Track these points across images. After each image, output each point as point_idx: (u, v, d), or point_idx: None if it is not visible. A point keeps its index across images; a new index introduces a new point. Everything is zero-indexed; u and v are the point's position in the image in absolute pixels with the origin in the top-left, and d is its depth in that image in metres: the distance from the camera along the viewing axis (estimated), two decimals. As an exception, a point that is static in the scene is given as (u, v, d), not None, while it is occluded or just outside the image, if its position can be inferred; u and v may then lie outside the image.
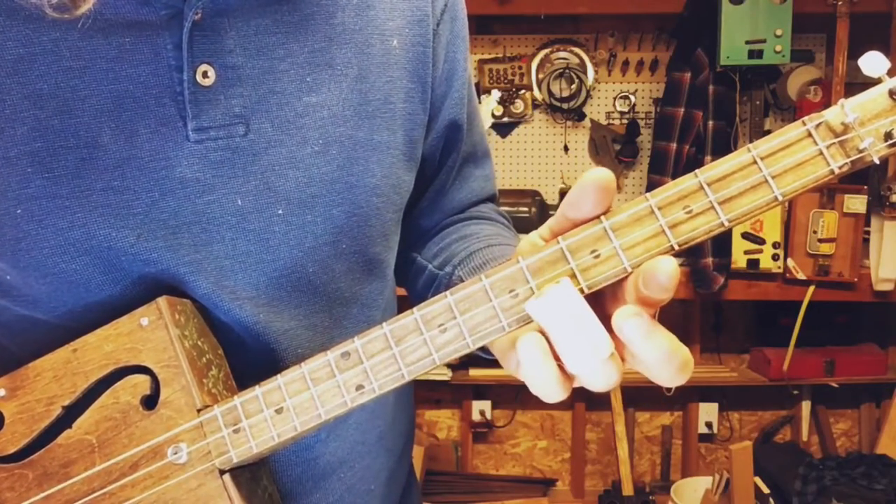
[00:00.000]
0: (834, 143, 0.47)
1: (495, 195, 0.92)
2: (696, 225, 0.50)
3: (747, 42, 2.47)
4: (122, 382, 0.62)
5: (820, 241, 2.55)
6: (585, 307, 0.50)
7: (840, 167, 0.47)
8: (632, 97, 2.86)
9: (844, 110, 0.47)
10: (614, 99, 2.87)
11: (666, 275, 0.48)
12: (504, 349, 0.59)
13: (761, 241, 2.59)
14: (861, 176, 2.63)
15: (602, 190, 0.50)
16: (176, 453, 0.60)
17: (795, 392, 2.93)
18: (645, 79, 2.87)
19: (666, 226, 0.50)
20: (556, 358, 0.52)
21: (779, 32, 2.46)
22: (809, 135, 0.48)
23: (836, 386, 2.79)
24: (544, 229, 0.55)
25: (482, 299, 0.53)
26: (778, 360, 2.71)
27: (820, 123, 0.48)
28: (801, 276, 2.56)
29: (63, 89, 0.58)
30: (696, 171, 0.50)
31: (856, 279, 2.57)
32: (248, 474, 0.63)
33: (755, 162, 0.48)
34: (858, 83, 2.63)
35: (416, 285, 0.85)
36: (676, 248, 0.50)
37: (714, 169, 0.49)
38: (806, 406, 2.96)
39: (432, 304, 0.54)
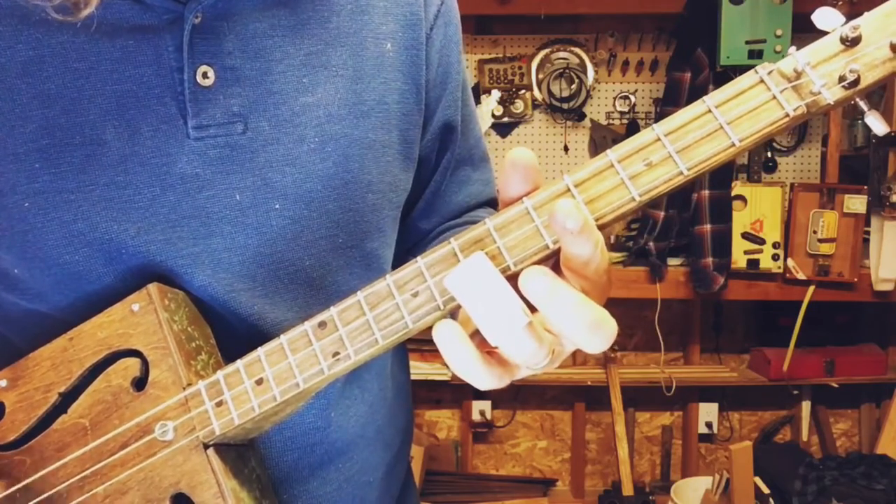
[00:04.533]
0: (787, 87, 0.48)
1: (495, 199, 0.93)
2: (657, 175, 0.50)
3: (747, 42, 2.48)
4: (114, 366, 0.63)
5: (820, 241, 2.56)
6: (498, 277, 0.50)
7: (795, 109, 0.47)
8: (632, 97, 2.87)
9: (795, 58, 0.48)
10: (614, 99, 2.88)
11: (562, 212, 0.48)
12: None
13: (761, 241, 2.59)
14: (861, 176, 2.63)
15: (523, 168, 0.52)
16: (162, 429, 0.61)
17: (795, 392, 2.93)
18: (645, 79, 2.87)
19: (626, 178, 0.50)
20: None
21: (779, 32, 2.47)
22: (762, 81, 0.48)
23: (836, 386, 2.78)
24: None
25: (451, 263, 0.54)
26: (778, 360, 2.71)
27: (772, 71, 0.48)
28: (801, 276, 2.57)
29: (70, 89, 0.61)
30: (654, 125, 0.50)
31: (856, 279, 2.57)
32: (234, 453, 0.63)
33: (710, 111, 0.49)
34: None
35: None
36: (638, 198, 0.50)
37: (671, 121, 0.50)
38: (806, 406, 2.96)
39: (403, 269, 0.55)
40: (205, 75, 0.64)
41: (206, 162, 0.65)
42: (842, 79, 0.46)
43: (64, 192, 0.62)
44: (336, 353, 0.57)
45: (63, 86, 0.61)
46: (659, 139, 0.50)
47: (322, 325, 0.57)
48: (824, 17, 0.48)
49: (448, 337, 0.51)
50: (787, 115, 0.47)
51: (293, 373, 0.58)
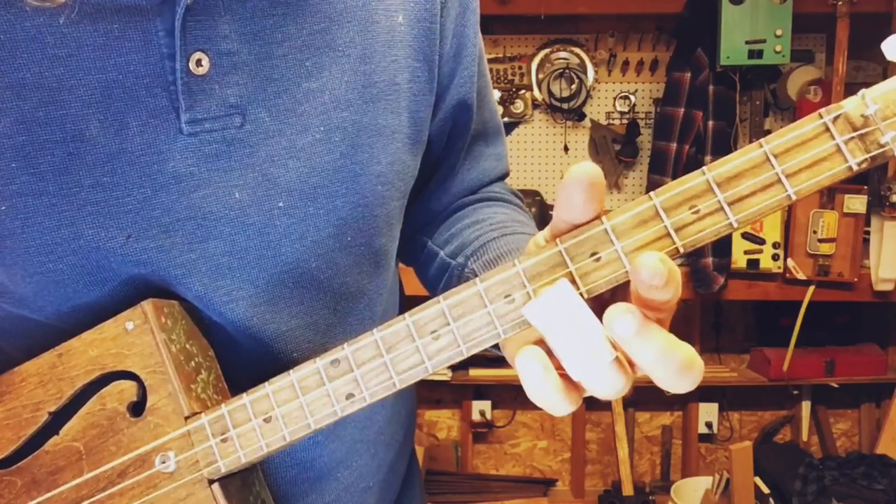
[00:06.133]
0: (853, 137, 0.44)
1: (507, 174, 0.89)
2: (704, 226, 0.47)
3: (747, 42, 2.46)
4: (108, 388, 0.60)
5: (820, 241, 2.55)
6: (585, 309, 0.47)
7: (859, 164, 0.44)
8: (632, 97, 2.85)
9: (865, 101, 0.44)
10: (614, 99, 2.87)
11: (648, 270, 0.44)
12: (513, 354, 0.56)
13: (761, 241, 2.58)
14: (861, 176, 2.62)
15: (588, 186, 0.47)
16: (164, 462, 0.59)
17: (795, 392, 2.93)
18: (645, 79, 2.86)
19: (671, 228, 0.47)
20: (559, 368, 0.49)
21: (779, 32, 2.46)
22: (827, 129, 0.45)
23: (836, 386, 2.78)
24: (546, 232, 0.53)
25: (476, 305, 0.51)
26: (778, 360, 2.71)
27: (838, 116, 0.45)
28: (801, 276, 2.56)
29: (48, 79, 0.55)
30: (704, 168, 0.47)
31: (856, 279, 2.56)
32: (238, 482, 0.61)
33: (768, 159, 0.46)
34: (858, 83, 2.63)
35: (427, 272, 0.82)
36: (682, 250, 0.48)
37: (723, 167, 0.46)
38: (806, 406, 2.96)
39: (424, 309, 0.52)
40: (198, 63, 0.58)
41: (201, 159, 0.59)
42: None
43: (45, 194, 0.56)
44: (350, 395, 0.54)
45: (40, 75, 0.54)
46: (710, 188, 0.46)
47: (335, 363, 0.54)
48: (895, 47, 0.45)
49: (533, 368, 0.48)
50: (851, 168, 0.44)
51: (304, 413, 0.55)
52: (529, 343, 0.50)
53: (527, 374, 0.49)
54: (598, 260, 0.49)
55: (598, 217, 0.49)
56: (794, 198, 0.45)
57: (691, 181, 0.47)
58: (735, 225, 0.47)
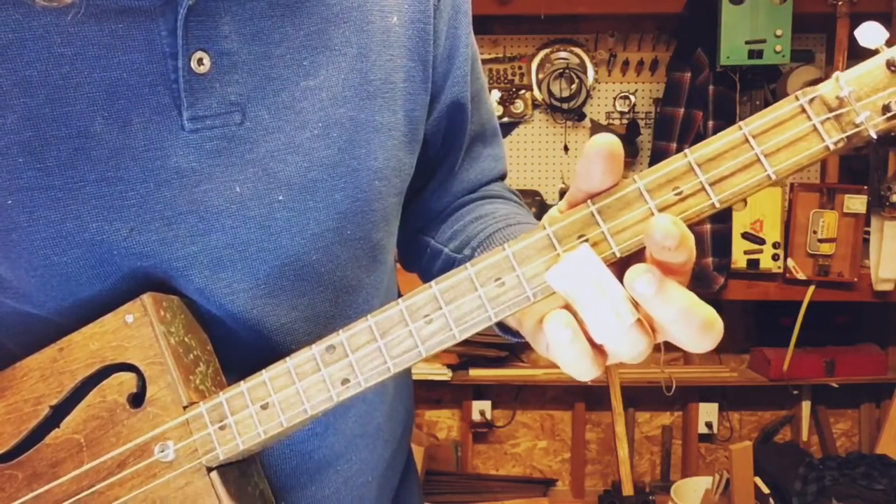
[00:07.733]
0: (829, 118, 0.46)
1: (505, 174, 0.91)
2: (687, 207, 0.48)
3: (747, 42, 2.47)
4: (108, 381, 0.61)
5: (820, 241, 2.55)
6: (606, 272, 0.49)
7: (835, 143, 0.45)
8: (632, 97, 2.85)
9: (839, 83, 0.46)
10: (614, 99, 2.87)
11: (661, 232, 0.46)
12: (533, 331, 0.58)
13: (761, 241, 2.58)
14: (861, 176, 2.63)
15: (608, 157, 0.48)
16: (163, 451, 0.60)
17: (795, 392, 2.92)
18: (645, 79, 2.86)
19: (655, 209, 0.49)
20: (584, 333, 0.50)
21: (779, 32, 2.46)
22: (803, 110, 0.46)
23: (836, 386, 2.78)
24: (563, 203, 0.54)
25: (467, 288, 0.52)
26: (778, 360, 2.70)
27: (814, 98, 0.46)
28: (801, 276, 2.56)
29: (54, 76, 0.57)
30: (686, 150, 0.48)
31: (856, 279, 2.56)
32: (237, 472, 0.62)
33: (747, 140, 0.47)
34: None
35: (431, 270, 0.84)
36: None
37: (704, 148, 0.48)
38: (806, 406, 2.95)
39: (417, 294, 0.53)
40: (200, 62, 0.60)
41: (202, 155, 0.61)
42: (886, 109, 0.44)
43: (51, 189, 0.58)
44: (346, 380, 0.55)
45: (46, 72, 0.56)
46: (691, 168, 0.48)
47: (330, 349, 0.56)
48: (868, 34, 0.45)
49: (564, 332, 0.50)
50: (827, 147, 0.45)
51: (300, 399, 0.57)
52: (553, 310, 0.51)
53: (557, 338, 0.50)
54: (585, 241, 0.50)
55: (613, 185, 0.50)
56: (773, 177, 0.47)
57: (673, 163, 0.49)
58: (717, 205, 0.48)
